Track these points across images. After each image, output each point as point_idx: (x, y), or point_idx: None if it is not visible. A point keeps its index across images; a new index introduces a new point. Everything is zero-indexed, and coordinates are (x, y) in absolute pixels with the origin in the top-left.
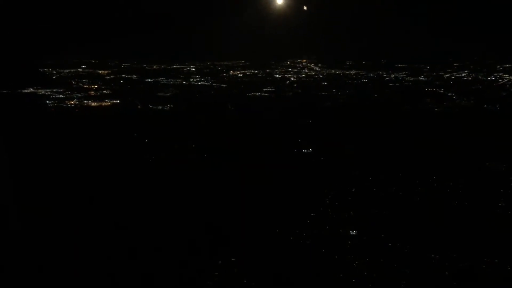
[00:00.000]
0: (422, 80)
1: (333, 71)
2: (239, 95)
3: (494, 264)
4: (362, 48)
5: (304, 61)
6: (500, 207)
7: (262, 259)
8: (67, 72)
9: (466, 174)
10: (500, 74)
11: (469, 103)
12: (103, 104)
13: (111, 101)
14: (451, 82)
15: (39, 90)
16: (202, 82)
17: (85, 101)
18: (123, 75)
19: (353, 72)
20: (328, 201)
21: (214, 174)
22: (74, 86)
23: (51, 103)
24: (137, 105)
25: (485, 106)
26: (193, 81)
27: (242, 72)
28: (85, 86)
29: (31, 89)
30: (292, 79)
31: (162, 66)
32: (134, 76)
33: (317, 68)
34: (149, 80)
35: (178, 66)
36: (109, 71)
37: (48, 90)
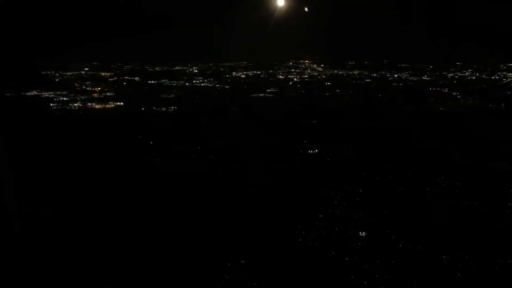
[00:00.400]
0: (425, 79)
1: (335, 71)
2: (243, 96)
3: (507, 265)
4: (364, 48)
5: (307, 61)
6: (510, 207)
7: (270, 260)
8: (70, 75)
9: (474, 174)
10: (503, 73)
11: (474, 102)
12: (107, 106)
13: (115, 103)
14: (454, 81)
15: (43, 93)
16: (205, 84)
17: (89, 104)
18: (126, 77)
19: (356, 72)
20: (336, 202)
21: (220, 175)
22: (78, 88)
23: (55, 105)
24: (141, 107)
25: (490, 105)
26: (196, 82)
27: (244, 73)
28: (88, 88)
29: (35, 92)
30: (295, 79)
31: (165, 68)
32: (137, 78)
33: (320, 69)
34: (152, 81)
35: (180, 68)
36: (112, 73)
37: (51, 92)
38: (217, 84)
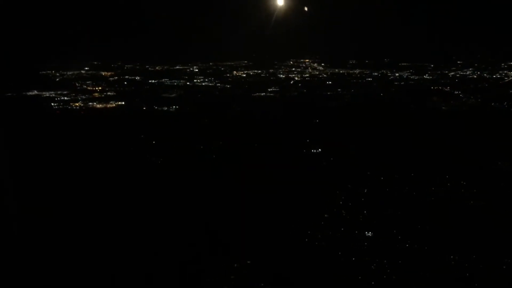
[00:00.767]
0: (427, 78)
1: (336, 70)
2: (244, 95)
3: None
4: (364, 47)
5: (307, 60)
6: None
7: (277, 261)
8: (70, 74)
9: (478, 174)
10: (505, 72)
11: (476, 101)
12: (108, 105)
13: (116, 103)
14: (456, 80)
15: (43, 92)
16: (206, 83)
17: (90, 103)
18: (127, 77)
19: (357, 71)
20: (341, 202)
21: (223, 175)
22: (78, 88)
23: (56, 105)
24: (142, 106)
25: (492, 104)
26: (197, 81)
27: (245, 72)
28: (89, 88)
29: (35, 92)
30: (296, 78)
31: (165, 67)
32: (137, 78)
33: (321, 68)
34: (153, 81)
35: (181, 67)
36: (113, 73)
37: (52, 92)
38: (218, 83)
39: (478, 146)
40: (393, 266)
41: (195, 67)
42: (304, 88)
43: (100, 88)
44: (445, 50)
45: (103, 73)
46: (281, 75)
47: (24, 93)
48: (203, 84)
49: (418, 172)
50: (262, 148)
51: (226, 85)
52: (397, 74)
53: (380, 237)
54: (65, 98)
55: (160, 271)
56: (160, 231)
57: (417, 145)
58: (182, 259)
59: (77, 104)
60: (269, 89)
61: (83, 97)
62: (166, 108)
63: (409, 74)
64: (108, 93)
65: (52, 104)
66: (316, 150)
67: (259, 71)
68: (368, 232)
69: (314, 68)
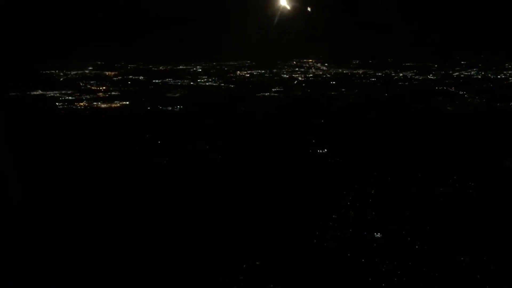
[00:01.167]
0: (431, 78)
1: (340, 70)
2: (248, 95)
3: None
4: (367, 47)
5: (310, 60)
6: None
7: (286, 261)
8: (74, 74)
9: (486, 174)
10: (509, 72)
11: (482, 101)
12: (113, 105)
13: (121, 103)
14: (460, 80)
15: (48, 92)
16: (210, 83)
17: (95, 103)
18: (130, 76)
19: (360, 71)
20: (349, 203)
21: (230, 174)
22: (82, 88)
23: (61, 104)
24: (147, 106)
25: (498, 104)
26: (200, 81)
27: (249, 72)
28: (93, 87)
29: (40, 91)
30: (300, 78)
31: (169, 67)
32: (141, 77)
33: (324, 68)
34: (157, 81)
35: (184, 67)
36: (116, 72)
37: (56, 92)
38: (222, 83)
39: (485, 146)
40: (403, 268)
41: (198, 67)
42: (308, 88)
43: (104, 88)
44: (449, 50)
45: (107, 73)
46: (285, 75)
47: (28, 92)
48: (207, 84)
49: (425, 172)
50: (268, 148)
51: (230, 85)
52: (401, 74)
53: (389, 238)
54: (70, 97)
55: (169, 273)
56: (167, 232)
57: (424, 145)
58: (192, 260)
59: (81, 103)
60: (273, 89)
61: (88, 96)
62: (170, 108)
63: (413, 74)
64: (113, 92)
65: (57, 103)
66: (322, 150)
67: (263, 71)
68: (377, 233)
69: (318, 68)
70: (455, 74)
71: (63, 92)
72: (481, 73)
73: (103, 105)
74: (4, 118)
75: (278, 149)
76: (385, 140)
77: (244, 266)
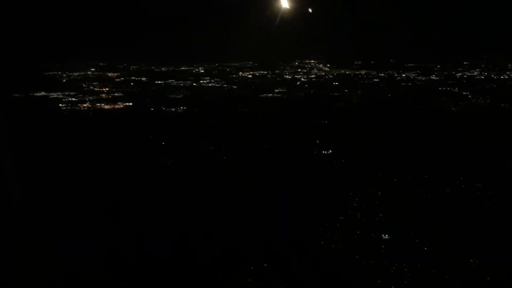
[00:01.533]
0: (434, 79)
1: (342, 71)
2: (251, 96)
3: None
4: (368, 48)
5: (312, 61)
6: None
7: (294, 264)
8: (76, 75)
9: (493, 175)
10: None
11: (485, 102)
12: (116, 106)
13: (124, 104)
14: (463, 81)
15: (51, 94)
16: (213, 84)
17: (98, 104)
18: (133, 77)
19: (363, 72)
20: (355, 204)
21: (234, 176)
22: (85, 89)
23: (64, 106)
24: (150, 107)
25: (502, 105)
26: (203, 82)
27: (251, 73)
28: (96, 89)
29: (43, 93)
30: (302, 79)
31: (171, 68)
32: (143, 78)
33: (326, 68)
34: (159, 82)
35: (186, 68)
36: (119, 74)
37: (59, 93)
38: (224, 84)
39: (490, 146)
40: (412, 270)
41: (200, 68)
42: (311, 89)
43: (107, 89)
44: (450, 51)
45: (109, 74)
46: (287, 76)
47: (31, 94)
48: (210, 85)
49: (431, 173)
50: (272, 149)
51: (233, 86)
52: (403, 75)
53: (397, 240)
54: (73, 99)
55: (169, 273)
56: (168, 232)
57: (429, 146)
58: (198, 262)
59: (85, 105)
60: (276, 90)
61: (91, 98)
62: (173, 109)
63: (415, 75)
64: (115, 94)
65: (60, 105)
66: (326, 151)
67: (265, 72)
68: (384, 235)
69: (320, 69)
70: (458, 74)
71: (66, 93)
72: (484, 74)
73: (106, 106)
74: (8, 119)
75: (282, 149)
76: (390, 141)
77: (252, 268)
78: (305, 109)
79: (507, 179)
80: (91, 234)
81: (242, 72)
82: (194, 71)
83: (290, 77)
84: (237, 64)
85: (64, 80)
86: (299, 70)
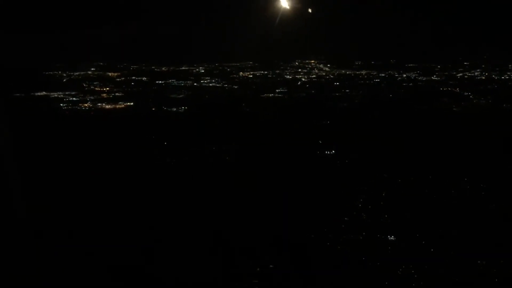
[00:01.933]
0: (435, 79)
1: (343, 71)
2: (252, 96)
3: None
4: (369, 48)
5: (313, 61)
6: None
7: (300, 265)
8: (77, 75)
9: (498, 176)
10: None
11: (487, 102)
12: (117, 106)
13: (125, 104)
14: (465, 81)
15: (52, 93)
16: (213, 84)
17: (99, 104)
18: (133, 77)
19: (363, 72)
20: (360, 205)
21: (238, 177)
22: (86, 88)
23: (65, 105)
24: (151, 107)
25: (504, 105)
26: (204, 82)
27: (252, 73)
28: (96, 88)
29: (44, 92)
30: (303, 79)
31: (171, 68)
32: (144, 78)
33: (327, 69)
34: (160, 82)
35: (187, 68)
36: (119, 73)
37: (60, 93)
38: (225, 84)
39: (493, 146)
40: (419, 272)
41: (201, 68)
42: (312, 89)
43: (108, 88)
44: (451, 51)
45: (110, 74)
46: (288, 76)
47: (32, 93)
48: (210, 85)
49: (436, 174)
50: (275, 149)
51: (234, 86)
52: (404, 75)
53: (403, 241)
54: (74, 98)
55: (173, 273)
56: (171, 232)
57: (431, 146)
58: (205, 263)
59: (86, 104)
60: (277, 90)
61: (92, 97)
62: (175, 109)
63: (416, 75)
64: (116, 93)
65: (61, 104)
66: (329, 152)
67: (266, 72)
68: (390, 236)
69: (321, 69)
70: (459, 75)
71: (67, 93)
72: (485, 74)
73: (107, 106)
74: (10, 119)
75: (284, 150)
76: (392, 141)
77: (258, 269)
78: (306, 109)
79: (511, 180)
80: (90, 234)
81: (243, 72)
82: (194, 71)
83: (290, 77)
84: (238, 64)
85: (64, 80)
86: (300, 70)
